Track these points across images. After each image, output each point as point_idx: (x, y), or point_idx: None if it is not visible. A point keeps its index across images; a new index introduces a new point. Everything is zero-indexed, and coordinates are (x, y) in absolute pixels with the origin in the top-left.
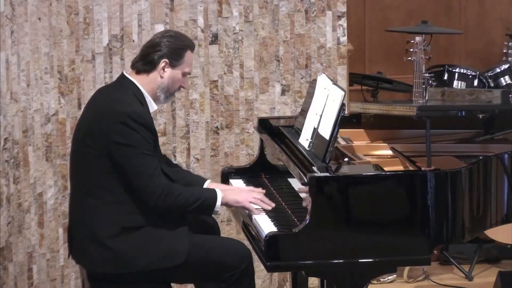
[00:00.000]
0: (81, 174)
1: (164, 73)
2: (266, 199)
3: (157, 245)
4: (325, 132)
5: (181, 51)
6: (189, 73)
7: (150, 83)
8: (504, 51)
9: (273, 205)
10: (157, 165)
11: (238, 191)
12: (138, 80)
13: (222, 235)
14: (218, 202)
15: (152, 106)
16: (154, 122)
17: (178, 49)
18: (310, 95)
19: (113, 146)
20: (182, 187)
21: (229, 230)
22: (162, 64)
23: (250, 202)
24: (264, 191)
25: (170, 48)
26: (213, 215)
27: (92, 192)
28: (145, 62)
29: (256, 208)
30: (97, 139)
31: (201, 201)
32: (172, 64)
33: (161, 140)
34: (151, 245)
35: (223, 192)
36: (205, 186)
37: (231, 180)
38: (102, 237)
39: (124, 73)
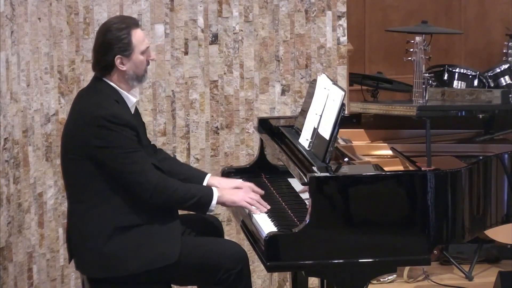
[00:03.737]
0: (68, 180)
1: (124, 66)
2: (262, 201)
3: (148, 246)
4: (325, 132)
5: (127, 37)
6: (147, 47)
7: (117, 80)
8: (504, 51)
9: (269, 207)
10: (147, 160)
11: (235, 190)
12: (109, 79)
13: None
14: (214, 201)
15: (130, 101)
16: (154, 122)
17: (123, 39)
18: (310, 95)
19: (95, 150)
20: (178, 182)
21: (229, 230)
22: (117, 62)
23: (247, 202)
24: (263, 192)
25: (116, 42)
26: (208, 213)
27: (80, 197)
28: (102, 67)
29: (253, 208)
30: (76, 145)
31: (197, 199)
32: (126, 55)
33: (161, 140)
34: (143, 246)
35: (219, 191)
36: (205, 180)
37: None
38: (94, 241)
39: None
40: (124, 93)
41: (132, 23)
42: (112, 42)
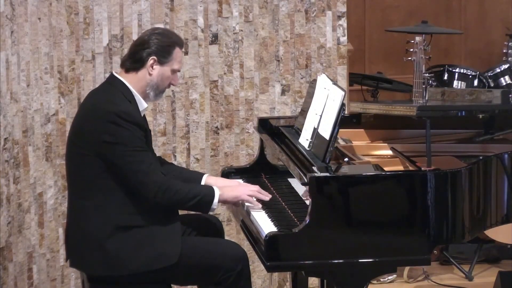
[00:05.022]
0: (73, 176)
1: (153, 71)
2: (263, 191)
3: (149, 246)
4: (325, 132)
5: (169, 48)
6: (178, 70)
7: (139, 81)
8: (504, 51)
9: (270, 196)
10: (152, 161)
11: (235, 187)
12: (127, 79)
13: None
14: (216, 200)
15: (142, 105)
16: (154, 122)
17: (166, 46)
18: (310, 95)
19: (103, 146)
20: (180, 183)
21: (229, 230)
22: (150, 62)
23: (248, 195)
24: (270, 196)
25: (158, 45)
26: (210, 213)
27: (84, 194)
28: (134, 60)
29: (255, 201)
30: (86, 140)
31: (199, 198)
32: (161, 61)
33: (161, 140)
34: (143, 246)
35: (220, 190)
36: (203, 180)
37: None
38: (95, 239)
39: (113, 72)
40: (137, 96)
41: (179, 41)
42: (153, 43)
